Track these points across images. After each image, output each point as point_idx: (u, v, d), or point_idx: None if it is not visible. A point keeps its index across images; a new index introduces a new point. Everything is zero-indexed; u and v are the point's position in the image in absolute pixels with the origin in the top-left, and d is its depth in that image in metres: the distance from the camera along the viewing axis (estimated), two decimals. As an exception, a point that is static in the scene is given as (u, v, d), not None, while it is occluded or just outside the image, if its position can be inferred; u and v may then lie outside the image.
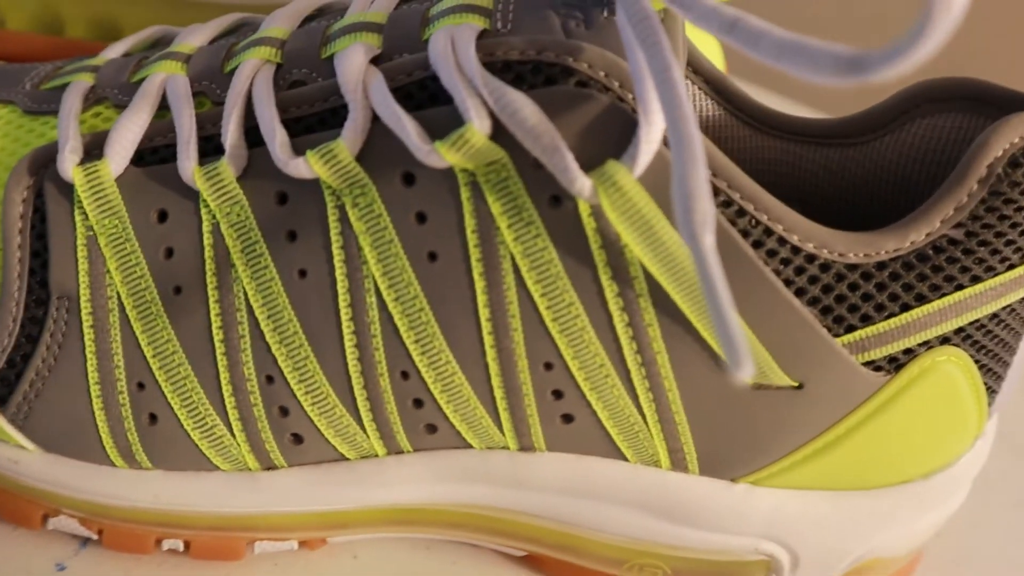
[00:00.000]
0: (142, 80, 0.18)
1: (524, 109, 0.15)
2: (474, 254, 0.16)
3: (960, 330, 0.17)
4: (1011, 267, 0.17)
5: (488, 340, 0.16)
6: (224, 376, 0.17)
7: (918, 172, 0.19)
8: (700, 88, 0.21)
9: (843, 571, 0.20)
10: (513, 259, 0.16)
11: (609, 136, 0.15)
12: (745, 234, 0.16)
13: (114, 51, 0.20)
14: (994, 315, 0.18)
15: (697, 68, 0.21)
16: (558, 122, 0.15)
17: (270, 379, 0.17)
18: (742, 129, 0.21)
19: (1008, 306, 0.18)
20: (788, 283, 0.16)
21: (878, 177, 0.20)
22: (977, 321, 0.18)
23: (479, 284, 0.16)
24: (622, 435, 0.17)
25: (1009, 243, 0.17)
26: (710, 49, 0.30)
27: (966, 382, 0.18)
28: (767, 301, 0.16)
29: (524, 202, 0.15)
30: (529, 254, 0.16)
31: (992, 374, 0.19)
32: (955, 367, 0.18)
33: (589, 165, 0.15)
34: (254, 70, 0.17)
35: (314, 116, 0.17)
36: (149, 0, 0.24)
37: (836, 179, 0.21)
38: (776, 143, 0.21)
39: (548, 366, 0.16)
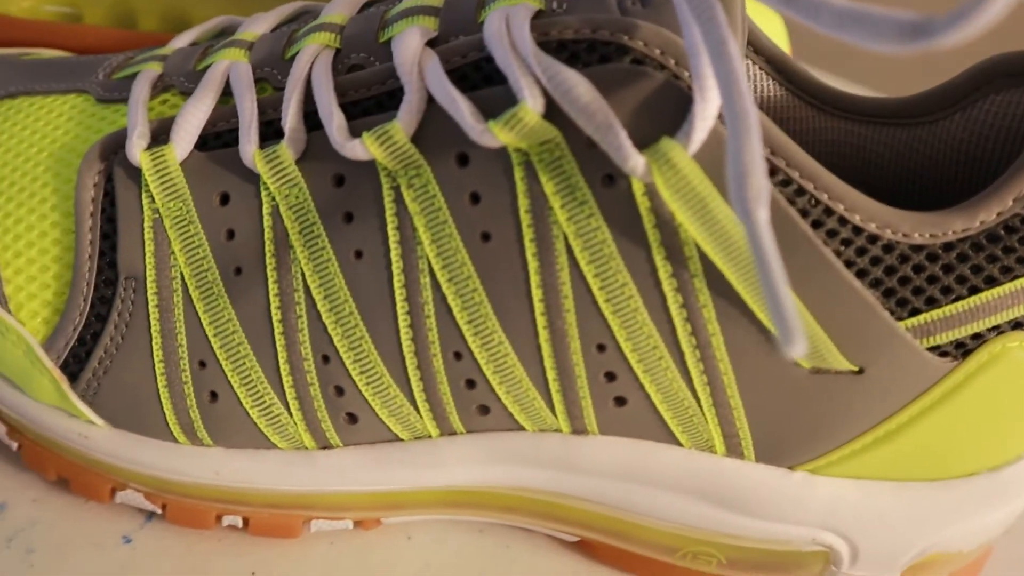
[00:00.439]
0: (207, 68, 0.19)
1: (578, 87, 0.15)
2: (527, 234, 0.16)
3: (1032, 316, 0.17)
4: (1087, 250, 0.17)
5: (541, 321, 0.16)
6: (282, 355, 0.17)
7: (990, 151, 0.19)
8: (761, 68, 0.20)
9: (905, 565, 0.19)
10: (566, 239, 0.16)
11: (664, 113, 0.15)
12: (804, 214, 0.16)
13: (182, 40, 0.20)
14: (1069, 300, 0.17)
15: (758, 48, 0.20)
16: (612, 100, 0.15)
17: (326, 359, 0.17)
18: (805, 110, 0.20)
19: (1084, 291, 0.17)
20: (849, 264, 0.16)
21: (948, 157, 0.20)
22: (1050, 307, 0.17)
23: (532, 264, 0.16)
24: (676, 419, 0.17)
25: (1085, 224, 0.16)
26: (775, 30, 0.30)
27: (1038, 371, 0.17)
28: (826, 282, 0.15)
29: (577, 181, 0.15)
30: (582, 234, 0.15)
31: (1067, 363, 0.18)
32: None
33: (643, 143, 0.15)
34: (313, 55, 0.18)
35: (371, 99, 0.17)
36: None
37: (903, 160, 0.20)
38: (840, 124, 0.21)
39: (601, 348, 0.16)
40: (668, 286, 0.16)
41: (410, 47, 0.17)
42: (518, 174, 0.16)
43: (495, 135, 0.15)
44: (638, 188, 0.15)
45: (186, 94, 0.19)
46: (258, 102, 0.18)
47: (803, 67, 0.20)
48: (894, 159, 0.20)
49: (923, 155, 0.20)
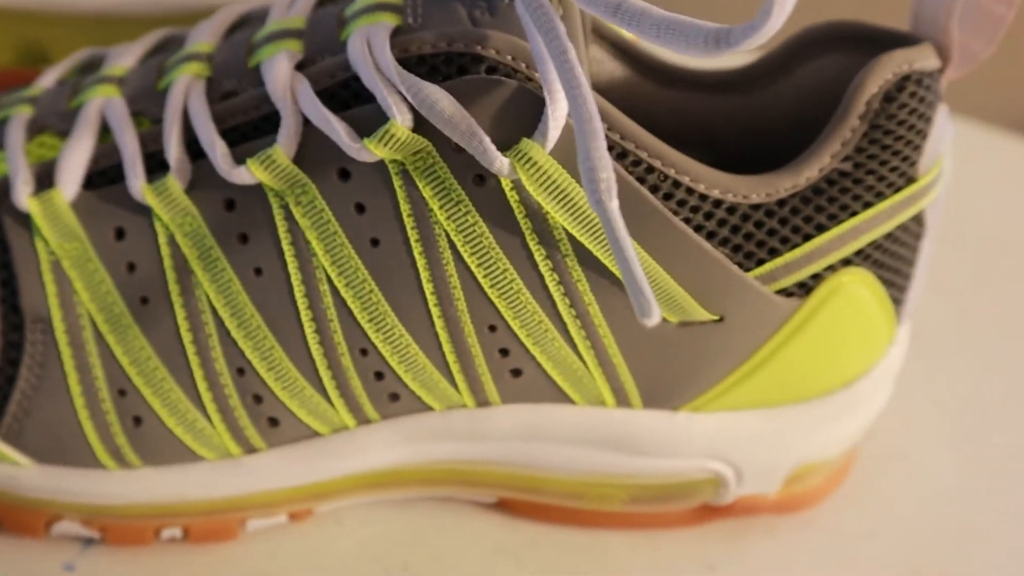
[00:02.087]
0: (80, 106, 0.19)
1: (440, 101, 0.16)
2: (412, 236, 0.17)
3: (860, 252, 0.19)
4: (897, 190, 0.19)
5: (435, 311, 0.18)
6: (198, 373, 0.18)
7: (811, 111, 0.21)
8: (607, 51, 0.22)
9: (783, 478, 0.22)
10: (448, 236, 0.17)
11: (520, 116, 0.16)
12: (655, 188, 0.18)
13: (48, 79, 0.21)
14: (889, 234, 0.20)
15: (604, 34, 0.22)
16: (472, 109, 0.16)
17: (241, 371, 0.18)
18: (651, 87, 0.22)
19: (901, 225, 0.20)
20: (699, 228, 0.18)
21: (777, 119, 0.22)
22: (874, 242, 0.19)
23: (420, 262, 0.17)
24: (567, 381, 0.19)
25: (893, 169, 0.19)
26: None
27: (872, 297, 0.20)
28: (680, 247, 0.17)
29: (451, 184, 0.17)
30: (462, 230, 0.17)
31: (896, 287, 0.21)
32: (860, 285, 0.20)
33: (505, 145, 0.16)
34: (186, 86, 0.18)
35: (249, 124, 0.18)
36: (73, 21, 0.25)
37: (741, 124, 0.22)
38: (683, 95, 0.23)
39: (492, 328, 0.18)
40: (544, 267, 0.17)
41: (280, 73, 0.18)
42: (397, 182, 0.17)
43: (371, 151, 0.16)
44: (506, 184, 0.17)
45: (63, 134, 0.19)
46: (139, 136, 0.18)
47: (646, 49, 0.22)
48: (733, 123, 0.23)
49: (759, 119, 0.22)
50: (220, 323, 0.18)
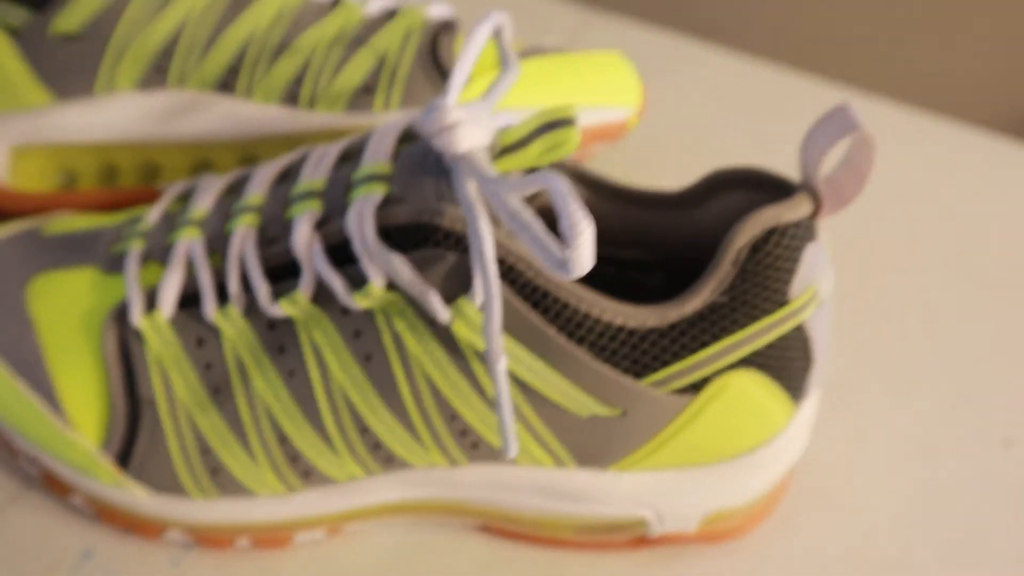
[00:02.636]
0: (173, 244, 0.27)
1: (402, 271, 0.23)
2: (392, 355, 0.24)
3: (744, 359, 0.25)
4: (770, 313, 0.24)
5: (411, 405, 0.25)
6: (254, 440, 0.26)
7: (723, 235, 0.26)
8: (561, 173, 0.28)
9: (699, 521, 0.28)
10: (417, 356, 0.24)
11: (459, 280, 0.23)
12: (569, 319, 0.24)
13: (155, 214, 0.29)
14: (771, 344, 0.25)
15: (557, 164, 0.28)
16: (425, 275, 0.23)
17: (283, 439, 0.26)
18: (596, 202, 0.28)
19: (782, 336, 0.25)
20: (603, 348, 0.24)
21: (701, 236, 0.27)
22: (757, 351, 0.25)
23: (399, 372, 0.24)
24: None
25: (765, 299, 0.24)
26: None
27: (761, 390, 0.25)
28: (581, 366, 0.24)
29: (417, 323, 0.24)
30: (425, 352, 0.24)
31: (788, 378, 0.26)
32: (748, 383, 0.25)
33: (449, 299, 0.23)
34: (242, 237, 0.26)
35: (285, 264, 0.25)
36: (179, 147, 0.33)
37: (677, 236, 0.28)
38: (631, 211, 0.28)
39: (453, 417, 0.25)
40: (483, 379, 0.24)
41: (302, 234, 0.25)
42: (379, 319, 0.24)
43: (357, 303, 0.23)
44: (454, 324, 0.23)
45: (163, 263, 0.27)
46: (212, 270, 0.26)
47: (592, 171, 0.28)
48: (671, 236, 0.28)
49: (688, 234, 0.28)
50: (267, 407, 0.26)
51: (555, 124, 0.22)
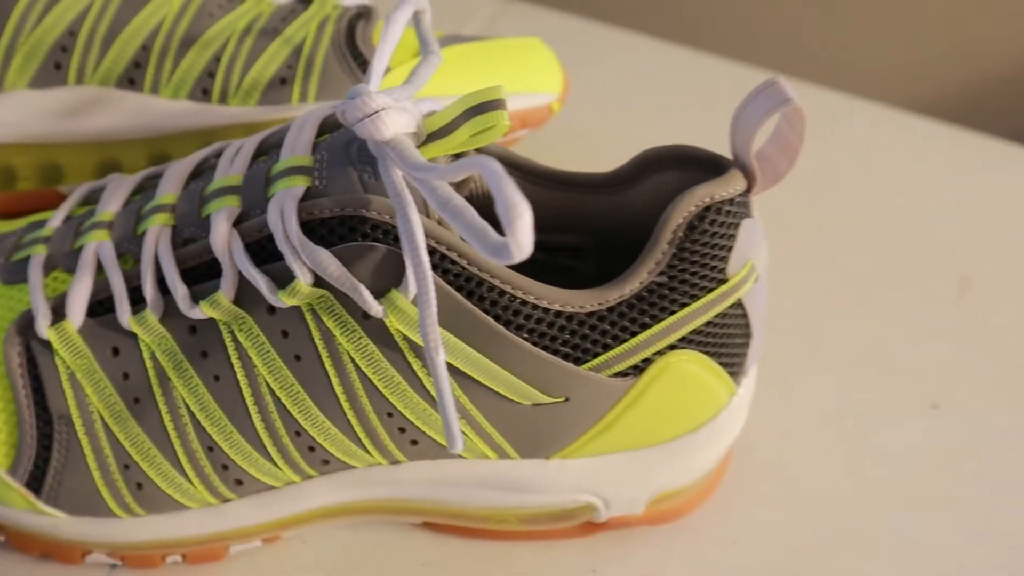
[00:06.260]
0: (80, 248, 0.25)
1: (330, 266, 0.22)
2: (323, 353, 0.23)
3: (684, 338, 0.25)
4: (709, 291, 0.24)
5: (345, 405, 0.24)
6: (180, 451, 0.25)
7: (655, 217, 0.26)
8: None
9: (645, 503, 0.28)
10: (349, 353, 0.23)
11: (390, 273, 0.22)
12: (506, 307, 0.23)
13: (57, 218, 0.27)
14: (710, 322, 0.25)
15: (488, 151, 0.27)
16: (354, 269, 0.22)
17: (211, 448, 0.25)
18: (532, 189, 0.27)
19: (721, 313, 0.25)
20: (543, 334, 0.23)
21: (634, 218, 0.27)
22: (696, 329, 0.25)
23: (331, 371, 0.23)
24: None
25: (703, 276, 0.24)
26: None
27: (701, 369, 0.25)
28: (519, 354, 0.23)
29: (347, 318, 0.23)
30: (358, 349, 0.23)
31: (727, 356, 0.26)
32: (688, 362, 0.25)
33: (380, 293, 0.22)
34: (156, 236, 0.24)
35: (204, 264, 0.24)
36: (83, 146, 0.31)
37: (610, 219, 0.28)
38: (562, 195, 0.28)
39: (390, 415, 0.24)
40: (422, 373, 0.23)
41: (220, 231, 0.23)
42: (308, 317, 0.23)
43: (284, 301, 0.22)
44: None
45: (70, 271, 0.25)
46: (124, 274, 0.24)
47: (524, 157, 0.27)
48: (604, 218, 0.28)
49: (620, 215, 0.27)
50: (192, 415, 0.24)
51: (483, 107, 0.22)
